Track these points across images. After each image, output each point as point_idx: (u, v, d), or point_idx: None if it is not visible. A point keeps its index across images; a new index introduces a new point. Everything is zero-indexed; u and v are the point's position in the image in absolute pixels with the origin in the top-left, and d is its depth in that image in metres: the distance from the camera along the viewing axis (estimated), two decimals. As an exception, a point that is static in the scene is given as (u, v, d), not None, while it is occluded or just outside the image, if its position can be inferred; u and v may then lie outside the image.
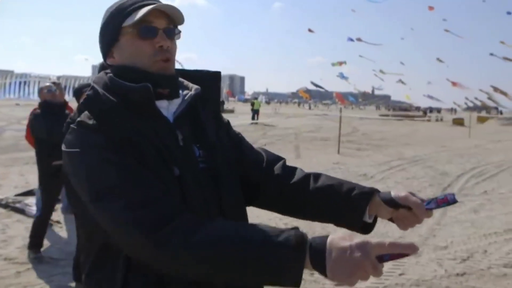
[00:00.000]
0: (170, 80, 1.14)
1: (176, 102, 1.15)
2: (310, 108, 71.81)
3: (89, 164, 1.00)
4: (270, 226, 0.95)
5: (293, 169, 1.27)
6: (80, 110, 1.11)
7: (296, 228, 0.93)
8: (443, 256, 4.42)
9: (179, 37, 1.18)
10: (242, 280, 0.95)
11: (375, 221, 1.19)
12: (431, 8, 32.15)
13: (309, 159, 10.76)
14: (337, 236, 0.90)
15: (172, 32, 1.14)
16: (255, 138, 15.77)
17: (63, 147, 1.06)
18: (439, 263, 4.23)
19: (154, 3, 1.12)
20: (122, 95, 1.07)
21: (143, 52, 1.11)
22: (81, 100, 1.11)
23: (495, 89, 33.96)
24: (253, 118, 26.38)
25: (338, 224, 1.22)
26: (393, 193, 1.13)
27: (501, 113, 58.75)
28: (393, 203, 1.12)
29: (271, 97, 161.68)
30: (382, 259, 0.86)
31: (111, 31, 1.13)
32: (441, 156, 12.24)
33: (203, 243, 0.91)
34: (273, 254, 0.89)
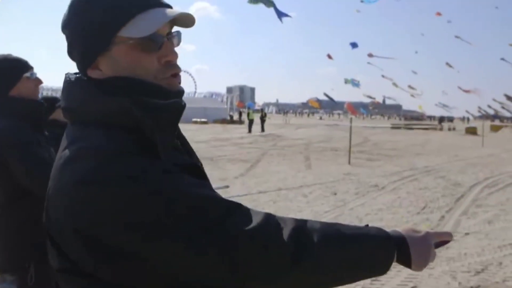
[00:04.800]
0: (182, 96, 0.95)
1: None
2: (320, 118, 71.68)
3: (178, 198, 0.79)
4: (346, 225, 0.95)
5: None
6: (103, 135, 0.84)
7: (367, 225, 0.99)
8: (457, 269, 4.33)
9: (180, 41, 0.95)
10: (337, 281, 0.91)
11: None
12: (438, 13, 32.26)
13: (319, 170, 10.71)
14: (405, 228, 0.97)
15: (179, 37, 0.93)
16: (266, 148, 15.76)
17: (93, 187, 0.76)
18: (453, 276, 4.15)
19: (165, 5, 0.89)
20: (152, 115, 0.85)
21: (145, 68, 0.88)
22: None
23: (508, 98, 33.58)
24: (249, 129, 26.34)
25: None
26: None
27: (515, 121, 57.99)
28: None
29: (281, 108, 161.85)
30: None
31: (101, 37, 0.86)
32: (454, 166, 12.09)
33: (326, 238, 0.85)
34: (373, 248, 0.90)
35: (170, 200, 0.78)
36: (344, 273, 0.89)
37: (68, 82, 0.91)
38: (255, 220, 0.82)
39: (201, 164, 1.04)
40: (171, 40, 0.91)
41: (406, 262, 0.94)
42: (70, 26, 0.90)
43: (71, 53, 0.92)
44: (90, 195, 0.76)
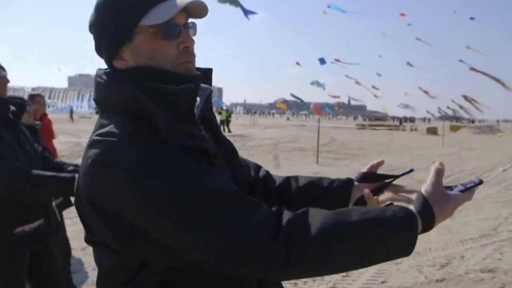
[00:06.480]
0: (200, 80, 1.01)
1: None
2: (288, 119, 72.35)
3: (176, 182, 0.84)
4: (362, 207, 0.93)
5: (270, 174, 1.31)
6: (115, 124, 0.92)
7: (391, 204, 0.96)
8: (422, 263, 4.50)
9: (196, 31, 1.03)
10: (357, 265, 0.91)
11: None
12: (402, 14, 33.17)
13: (288, 169, 10.82)
14: (432, 191, 0.96)
15: (194, 28, 1.02)
16: (234, 149, 15.75)
17: (110, 171, 0.85)
18: (419, 270, 4.31)
19: None
20: (164, 101, 0.92)
21: (165, 55, 0.96)
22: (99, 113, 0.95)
23: (466, 98, 35.09)
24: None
25: None
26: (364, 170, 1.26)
27: (472, 122, 60.72)
28: (365, 177, 1.25)
29: (249, 108, 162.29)
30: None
31: (123, 29, 0.95)
32: (417, 164, 12.49)
33: (324, 232, 0.85)
34: (390, 230, 0.88)
35: (168, 184, 0.84)
36: (351, 262, 0.88)
37: (97, 76, 1.00)
38: (253, 215, 0.85)
39: (233, 151, 1.10)
40: (188, 29, 1.00)
41: (429, 227, 0.94)
42: (97, 23, 0.98)
43: (99, 49, 1.01)
44: (98, 175, 0.87)
